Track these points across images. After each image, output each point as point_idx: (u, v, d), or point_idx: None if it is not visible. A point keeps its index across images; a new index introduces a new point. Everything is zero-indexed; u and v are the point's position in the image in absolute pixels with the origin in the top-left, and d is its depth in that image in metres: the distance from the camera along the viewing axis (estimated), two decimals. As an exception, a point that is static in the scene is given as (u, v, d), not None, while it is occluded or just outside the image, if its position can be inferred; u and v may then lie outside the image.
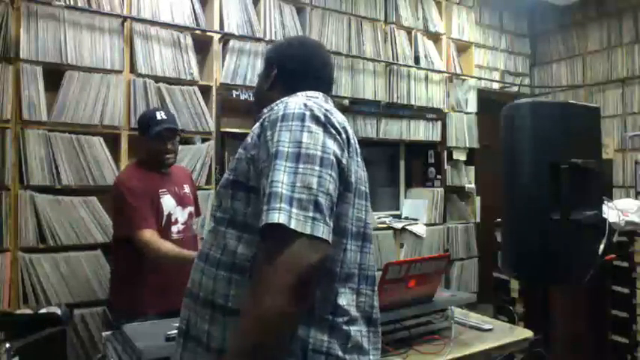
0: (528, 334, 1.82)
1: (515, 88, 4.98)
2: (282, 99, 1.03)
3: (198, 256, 1.06)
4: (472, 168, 4.46)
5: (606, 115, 4.40)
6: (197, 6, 3.02)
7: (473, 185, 4.44)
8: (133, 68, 2.78)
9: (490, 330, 1.82)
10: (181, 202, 2.21)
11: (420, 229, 3.92)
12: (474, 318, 1.94)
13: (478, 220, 4.42)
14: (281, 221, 0.81)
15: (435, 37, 4.23)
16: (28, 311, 2.23)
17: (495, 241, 3.15)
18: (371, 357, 1.01)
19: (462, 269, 4.24)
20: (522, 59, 5.11)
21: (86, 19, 2.64)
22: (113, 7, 2.73)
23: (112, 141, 2.71)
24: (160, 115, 2.18)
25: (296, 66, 1.17)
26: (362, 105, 3.72)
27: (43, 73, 2.51)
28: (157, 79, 2.83)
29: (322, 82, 1.17)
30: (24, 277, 2.42)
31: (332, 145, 0.91)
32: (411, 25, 4.04)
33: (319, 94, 1.11)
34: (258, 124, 1.00)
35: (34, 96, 2.47)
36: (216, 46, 3.05)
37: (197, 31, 2.99)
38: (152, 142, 2.15)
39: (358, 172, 1.00)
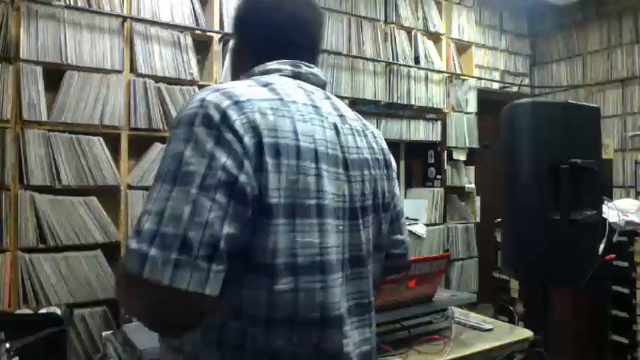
0: (528, 334, 1.82)
1: (515, 88, 4.98)
2: (250, 76, 0.86)
3: None
4: (472, 168, 4.45)
5: (606, 115, 4.40)
6: (197, 6, 3.02)
7: (473, 185, 4.44)
8: (132, 68, 2.77)
9: (490, 330, 1.81)
10: None
11: (420, 229, 3.92)
12: (474, 318, 1.94)
13: (478, 220, 4.42)
14: (131, 271, 0.65)
15: (435, 37, 4.23)
16: (28, 311, 2.24)
17: (495, 241, 3.15)
18: None
19: (462, 269, 4.24)
20: (522, 59, 5.11)
21: (86, 19, 2.64)
22: (113, 7, 2.73)
23: (112, 141, 2.71)
24: None
25: (252, 34, 0.93)
26: (362, 105, 3.72)
27: (43, 73, 2.51)
28: (157, 79, 2.83)
29: (289, 47, 0.91)
30: (24, 277, 2.42)
31: (223, 158, 0.69)
32: (411, 25, 4.04)
33: (286, 65, 0.88)
34: None
35: (34, 96, 2.47)
36: (216, 46, 3.05)
37: (197, 31, 2.99)
38: None
39: (299, 182, 0.75)
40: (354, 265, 0.85)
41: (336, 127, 0.85)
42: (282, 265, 0.74)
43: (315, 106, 0.84)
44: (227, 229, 0.68)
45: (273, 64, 0.88)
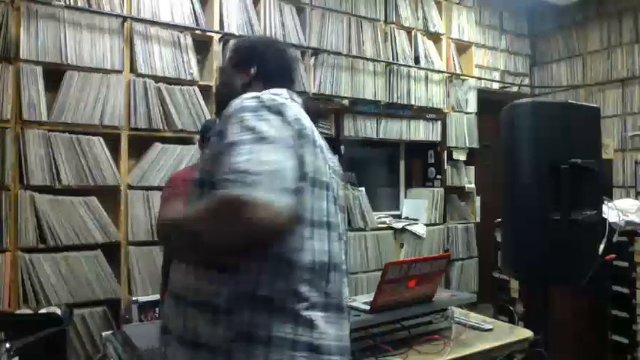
0: (528, 334, 1.82)
1: (515, 88, 4.98)
2: (239, 97, 1.03)
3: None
4: (472, 168, 4.45)
5: (606, 115, 4.40)
6: (197, 6, 3.02)
7: (473, 185, 4.44)
8: (132, 68, 2.77)
9: (490, 330, 1.82)
10: None
11: (420, 229, 3.92)
12: (474, 318, 1.94)
13: (478, 220, 4.42)
14: (240, 193, 0.81)
15: (435, 37, 4.23)
16: (28, 311, 2.24)
17: (495, 241, 3.15)
18: (336, 342, 1.01)
19: (462, 269, 4.24)
20: (522, 59, 5.10)
21: (86, 19, 2.64)
22: (113, 7, 2.73)
23: (112, 141, 2.71)
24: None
25: (274, 67, 1.22)
26: (362, 105, 3.72)
27: (43, 73, 2.51)
28: (157, 79, 2.83)
29: (290, 79, 1.24)
30: (24, 277, 2.42)
31: (286, 132, 0.93)
32: (411, 25, 4.04)
33: (283, 92, 1.13)
34: (220, 121, 1.01)
35: (34, 96, 2.47)
36: (216, 46, 3.05)
37: (197, 31, 2.99)
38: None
39: (316, 163, 1.01)
40: (340, 239, 1.09)
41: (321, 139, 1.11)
42: (309, 219, 0.98)
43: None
44: (295, 178, 0.90)
45: (275, 90, 1.10)
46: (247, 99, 0.97)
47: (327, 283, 1.00)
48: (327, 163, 1.07)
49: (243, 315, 0.92)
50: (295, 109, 1.01)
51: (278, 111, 0.96)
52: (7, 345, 1.61)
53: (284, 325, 0.92)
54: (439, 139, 4.18)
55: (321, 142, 1.06)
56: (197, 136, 2.94)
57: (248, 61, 1.23)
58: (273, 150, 0.88)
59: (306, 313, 0.95)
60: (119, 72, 2.72)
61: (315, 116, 1.39)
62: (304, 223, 0.97)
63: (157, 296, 2.53)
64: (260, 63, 1.22)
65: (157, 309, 2.57)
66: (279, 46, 1.31)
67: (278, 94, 1.08)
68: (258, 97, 0.97)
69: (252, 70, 1.21)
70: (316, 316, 0.96)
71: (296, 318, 0.94)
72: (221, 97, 1.26)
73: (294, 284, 0.94)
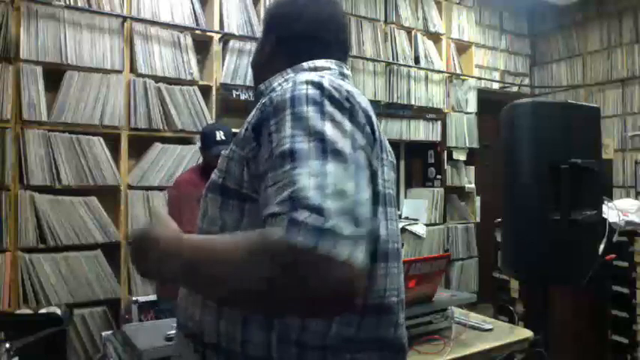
0: (528, 334, 1.82)
1: (515, 88, 4.98)
2: (286, 75, 0.83)
3: None
4: (472, 168, 4.45)
5: (606, 115, 4.40)
6: (197, 6, 3.02)
7: (473, 185, 4.44)
8: (132, 68, 2.77)
9: (490, 330, 1.81)
10: None
11: (420, 229, 3.92)
12: (474, 318, 1.94)
13: (478, 220, 4.42)
14: (303, 244, 0.56)
15: (435, 37, 4.23)
16: (28, 311, 2.24)
17: (495, 241, 3.15)
18: None
19: (462, 269, 4.24)
20: (522, 59, 5.10)
21: (86, 19, 2.64)
22: (113, 7, 2.73)
23: (112, 141, 2.71)
24: (219, 136, 2.31)
25: (301, 29, 0.90)
26: (362, 105, 3.72)
27: (43, 73, 2.51)
28: (157, 79, 2.83)
29: (336, 48, 0.91)
30: (24, 277, 2.42)
31: (361, 140, 0.69)
32: (411, 25, 4.04)
33: (333, 64, 0.87)
34: (256, 111, 0.76)
35: (34, 96, 2.47)
36: (216, 46, 3.05)
37: (197, 31, 2.99)
38: (209, 157, 2.29)
39: (385, 172, 0.79)
40: (399, 257, 0.86)
41: None
42: (383, 251, 0.77)
43: None
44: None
45: (321, 62, 0.87)
46: (300, 85, 0.70)
47: (395, 328, 0.80)
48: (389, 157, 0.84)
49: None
50: (363, 98, 0.75)
51: (349, 107, 0.70)
52: (7, 345, 1.61)
53: None
54: (439, 139, 4.18)
55: (383, 135, 0.81)
56: (198, 136, 2.95)
57: (269, 27, 0.96)
58: (349, 173, 0.63)
59: None
60: (119, 72, 2.72)
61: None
62: (379, 258, 0.76)
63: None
64: (282, 28, 0.92)
65: (157, 309, 2.57)
66: (315, 1, 0.94)
67: (328, 70, 0.84)
68: (319, 84, 0.70)
69: (273, 38, 0.93)
70: None
71: None
72: (253, 71, 1.00)
73: (352, 332, 0.74)
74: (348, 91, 0.72)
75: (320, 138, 0.64)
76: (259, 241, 0.59)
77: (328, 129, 0.65)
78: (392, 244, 0.79)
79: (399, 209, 4.29)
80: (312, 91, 0.69)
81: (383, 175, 0.78)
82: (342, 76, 0.87)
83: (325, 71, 0.83)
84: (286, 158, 0.63)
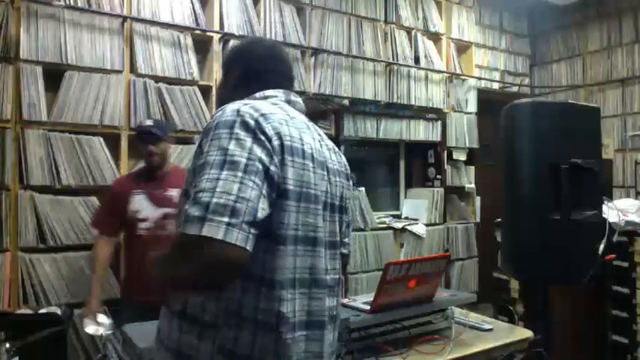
0: (528, 334, 1.82)
1: (515, 88, 4.98)
2: (223, 106, 1.02)
3: None
4: (472, 168, 4.45)
5: (606, 115, 4.40)
6: (197, 6, 3.02)
7: (473, 185, 4.44)
8: (133, 68, 2.77)
9: (490, 330, 1.82)
10: (158, 202, 2.32)
11: (420, 229, 3.92)
12: (474, 318, 1.94)
13: (478, 220, 4.42)
14: (191, 232, 0.83)
15: (435, 37, 4.23)
16: (28, 311, 2.24)
17: (495, 241, 3.15)
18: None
19: (462, 269, 4.24)
20: (522, 59, 5.10)
21: (86, 19, 2.64)
22: (113, 7, 2.73)
23: (112, 141, 2.71)
24: (148, 122, 2.44)
25: (258, 66, 1.18)
26: (362, 105, 3.72)
27: (43, 73, 2.51)
28: (157, 79, 2.83)
29: (283, 79, 1.19)
30: (24, 277, 2.42)
31: (259, 152, 0.92)
32: (411, 25, 4.04)
33: (280, 93, 1.13)
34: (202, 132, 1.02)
35: (34, 96, 2.47)
36: (216, 46, 3.05)
37: (197, 31, 2.99)
38: (139, 144, 2.40)
39: (303, 176, 1.00)
40: (331, 248, 1.10)
41: (319, 141, 1.12)
42: (290, 236, 0.98)
43: (305, 123, 1.11)
44: (261, 205, 0.89)
45: (270, 92, 1.13)
46: (227, 112, 0.96)
47: (309, 300, 1.02)
48: (324, 169, 1.07)
49: (229, 332, 0.93)
50: (278, 119, 0.99)
51: (254, 127, 0.94)
52: (7, 345, 1.61)
53: (265, 346, 0.94)
54: (439, 139, 4.18)
55: (313, 149, 1.05)
56: (196, 136, 2.95)
57: (233, 62, 1.23)
58: (237, 178, 0.88)
59: (289, 336, 0.96)
60: (119, 72, 2.72)
61: (313, 117, 1.34)
62: (286, 241, 0.97)
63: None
64: (244, 63, 1.20)
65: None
66: (265, 44, 1.27)
67: (269, 97, 1.10)
68: (237, 111, 0.96)
69: (237, 72, 1.19)
70: (298, 336, 0.98)
71: (277, 340, 0.95)
72: (218, 101, 1.28)
73: (276, 306, 0.95)
74: (263, 114, 0.97)
75: (223, 153, 0.90)
76: (172, 240, 0.94)
77: (231, 146, 0.91)
78: (302, 232, 1.00)
79: (398, 209, 4.29)
80: (229, 118, 0.95)
81: (301, 177, 0.99)
82: (288, 102, 1.13)
83: (267, 100, 1.10)
84: (201, 167, 0.91)
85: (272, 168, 0.93)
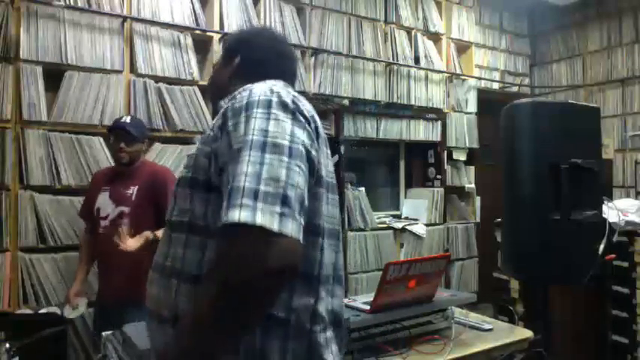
0: (528, 334, 1.82)
1: (515, 88, 4.98)
2: (245, 86, 0.92)
3: (152, 267, 0.97)
4: (472, 168, 4.45)
5: (606, 115, 4.40)
6: (197, 6, 3.02)
7: (473, 185, 4.44)
8: (133, 68, 2.77)
9: (490, 330, 1.81)
10: (117, 200, 2.27)
11: (420, 229, 3.92)
12: (474, 318, 1.94)
13: (478, 220, 4.42)
14: (243, 220, 0.71)
15: (435, 37, 4.23)
16: (28, 311, 2.24)
17: (495, 241, 3.15)
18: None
19: (462, 269, 4.24)
20: (522, 59, 5.10)
21: (86, 19, 2.64)
22: (113, 7, 2.73)
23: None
24: (123, 119, 2.36)
25: (262, 55, 1.11)
26: (362, 105, 3.72)
27: (43, 73, 2.51)
28: (157, 79, 2.83)
29: (286, 74, 1.10)
30: (24, 277, 2.42)
31: (301, 135, 0.83)
32: (411, 25, 4.04)
33: (279, 83, 1.01)
34: (219, 115, 0.90)
35: (34, 96, 2.47)
36: (216, 46, 3.05)
37: (197, 31, 2.99)
38: (111, 137, 2.37)
39: (328, 164, 0.94)
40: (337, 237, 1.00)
41: None
42: (325, 228, 0.91)
43: None
44: (306, 191, 0.81)
45: (270, 82, 1.01)
46: (258, 92, 0.86)
47: (332, 298, 0.93)
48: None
49: (254, 338, 0.82)
50: (308, 104, 0.92)
51: (293, 108, 0.85)
52: (7, 345, 1.61)
53: (299, 348, 0.85)
54: (439, 139, 4.18)
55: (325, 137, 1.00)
56: (196, 137, 2.95)
57: (233, 50, 1.14)
58: (283, 163, 0.77)
59: (322, 336, 0.88)
60: (119, 72, 2.72)
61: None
62: (324, 233, 0.90)
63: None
64: (245, 52, 1.11)
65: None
66: (268, 34, 1.19)
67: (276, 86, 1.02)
68: (271, 90, 0.86)
69: (236, 60, 1.11)
70: (330, 336, 0.91)
71: (311, 341, 0.87)
72: (210, 92, 1.21)
73: (311, 303, 0.87)
74: (294, 96, 0.88)
75: (264, 134, 0.79)
76: (208, 274, 0.81)
77: (271, 127, 0.81)
78: (329, 225, 0.93)
79: (398, 209, 4.29)
80: (263, 97, 0.85)
81: (326, 166, 0.93)
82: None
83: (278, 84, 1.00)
84: (238, 150, 0.79)
85: (313, 152, 0.85)
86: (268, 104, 0.83)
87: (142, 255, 1.97)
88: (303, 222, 0.77)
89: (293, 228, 0.73)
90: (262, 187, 0.74)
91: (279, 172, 0.76)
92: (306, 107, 0.89)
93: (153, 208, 2.22)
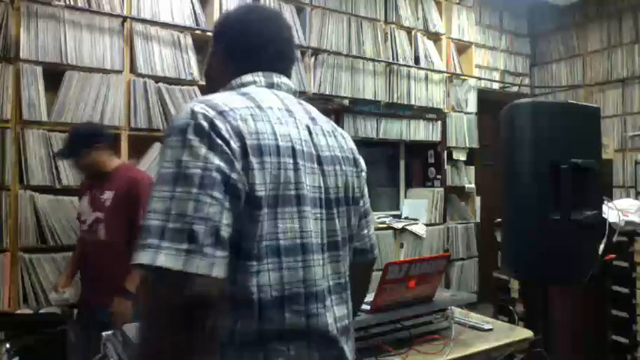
0: (528, 334, 1.82)
1: (515, 88, 4.98)
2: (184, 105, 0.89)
3: None
4: (472, 168, 4.46)
5: (606, 115, 4.40)
6: (197, 6, 3.02)
7: (473, 185, 4.44)
8: (133, 68, 2.77)
9: (490, 330, 1.81)
10: (93, 205, 2.26)
11: (420, 229, 3.92)
12: (474, 318, 1.94)
13: (478, 220, 4.42)
14: (145, 262, 0.72)
15: (435, 37, 4.23)
16: (28, 311, 2.24)
17: (495, 241, 3.15)
18: None
19: (462, 269, 4.24)
20: (522, 59, 5.11)
21: (86, 19, 2.64)
22: (113, 7, 2.73)
23: (112, 141, 2.70)
24: (68, 134, 2.31)
25: (242, 42, 1.01)
26: (362, 105, 3.72)
27: (43, 73, 2.51)
28: (157, 79, 2.83)
29: (275, 59, 1.01)
30: (24, 277, 2.42)
31: (216, 160, 0.78)
32: (411, 25, 4.04)
33: (260, 76, 0.98)
34: None
35: (34, 96, 2.47)
36: (216, 46, 3.05)
37: (197, 31, 2.99)
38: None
39: (281, 176, 0.85)
40: (331, 249, 0.95)
41: (308, 128, 0.96)
42: (267, 248, 0.84)
43: (289, 110, 0.94)
44: (225, 220, 0.77)
45: (247, 77, 0.98)
46: (181, 115, 0.83)
47: (307, 318, 0.88)
48: (315, 161, 0.93)
49: None
50: (241, 115, 0.84)
51: (209, 130, 0.79)
52: (7, 345, 1.61)
53: None
54: (439, 139, 4.18)
55: (294, 141, 0.89)
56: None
57: (218, 35, 1.05)
58: (192, 195, 0.75)
59: (280, 352, 0.85)
60: (119, 72, 2.72)
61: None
62: (260, 256, 0.83)
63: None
64: (227, 39, 1.02)
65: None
66: (257, 16, 1.03)
67: (247, 84, 0.96)
68: (191, 113, 0.81)
69: (221, 47, 1.03)
70: (294, 354, 0.86)
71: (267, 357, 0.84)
72: (205, 84, 1.14)
73: (257, 326, 0.83)
74: (221, 112, 0.82)
75: (176, 165, 0.77)
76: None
77: (185, 155, 0.78)
78: (285, 242, 0.86)
79: (398, 209, 4.29)
80: (182, 121, 0.81)
81: (276, 178, 0.85)
82: (270, 85, 0.98)
83: (239, 89, 0.95)
84: (155, 183, 0.79)
85: (233, 176, 0.79)
86: (184, 130, 0.80)
87: (115, 263, 2.02)
88: (219, 253, 0.75)
89: (199, 265, 0.73)
90: (170, 225, 0.74)
91: (187, 206, 0.75)
92: (232, 124, 0.82)
93: (126, 218, 2.17)
